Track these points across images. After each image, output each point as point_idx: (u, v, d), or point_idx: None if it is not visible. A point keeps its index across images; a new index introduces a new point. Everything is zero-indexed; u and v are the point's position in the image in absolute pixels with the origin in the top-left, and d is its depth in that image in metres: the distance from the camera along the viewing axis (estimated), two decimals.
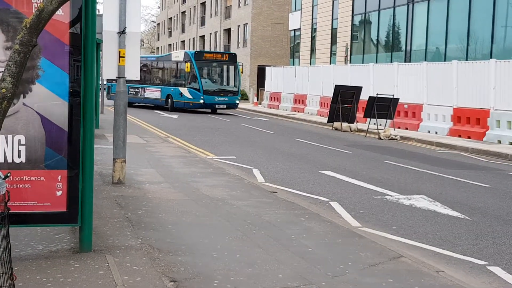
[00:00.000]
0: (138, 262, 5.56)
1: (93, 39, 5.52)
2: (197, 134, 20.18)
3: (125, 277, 5.12)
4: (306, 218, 7.80)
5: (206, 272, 5.40)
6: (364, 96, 23.92)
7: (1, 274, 4.04)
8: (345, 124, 23.53)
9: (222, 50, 55.63)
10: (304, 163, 13.70)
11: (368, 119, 21.96)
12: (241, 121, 27.50)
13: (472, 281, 5.82)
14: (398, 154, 16.11)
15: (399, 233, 7.62)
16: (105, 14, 9.42)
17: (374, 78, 26.25)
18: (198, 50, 55.28)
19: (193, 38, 68.32)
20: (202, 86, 31.41)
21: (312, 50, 40.97)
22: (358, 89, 24.12)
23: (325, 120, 25.90)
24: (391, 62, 29.29)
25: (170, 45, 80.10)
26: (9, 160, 5.39)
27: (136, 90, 36.40)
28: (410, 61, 28.75)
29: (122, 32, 9.28)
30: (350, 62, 33.92)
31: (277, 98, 36.93)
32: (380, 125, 22.22)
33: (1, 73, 3.91)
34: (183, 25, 74.24)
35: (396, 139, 20.37)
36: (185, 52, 33.83)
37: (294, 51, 45.34)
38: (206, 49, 61.33)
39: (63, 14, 5.39)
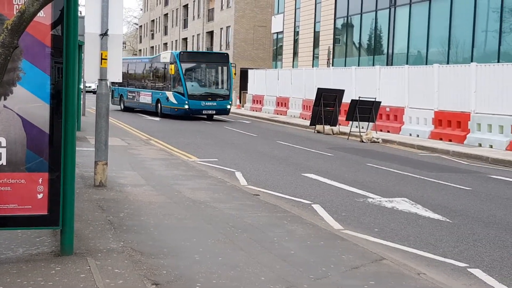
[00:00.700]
0: (120, 265, 5.54)
1: (75, 41, 5.50)
2: (179, 136, 20.14)
3: (106, 280, 5.09)
4: (289, 220, 7.81)
5: (189, 275, 5.39)
6: (346, 99, 24.01)
7: None
8: (327, 127, 23.60)
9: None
10: (286, 166, 13.73)
11: (350, 122, 22.03)
12: (223, 123, 27.50)
13: (453, 283, 5.88)
14: (380, 157, 16.19)
15: (381, 236, 7.67)
16: (87, 16, 9.36)
17: (356, 81, 26.36)
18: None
19: (176, 41, 68.15)
20: (187, 90, 28.34)
21: (295, 53, 41.06)
22: (341, 92, 24.22)
23: (307, 123, 25.94)
24: (373, 65, 29.44)
25: (152, 47, 79.84)
26: None
27: (133, 94, 33.76)
28: (392, 65, 28.88)
29: (104, 34, 9.24)
30: (332, 65, 34.00)
31: (260, 101, 36.95)
32: (362, 128, 22.33)
33: None
34: (166, 28, 74.01)
35: (378, 142, 20.47)
36: (171, 52, 30.69)
37: (277, 54, 45.38)
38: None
39: (44, 16, 5.36)
